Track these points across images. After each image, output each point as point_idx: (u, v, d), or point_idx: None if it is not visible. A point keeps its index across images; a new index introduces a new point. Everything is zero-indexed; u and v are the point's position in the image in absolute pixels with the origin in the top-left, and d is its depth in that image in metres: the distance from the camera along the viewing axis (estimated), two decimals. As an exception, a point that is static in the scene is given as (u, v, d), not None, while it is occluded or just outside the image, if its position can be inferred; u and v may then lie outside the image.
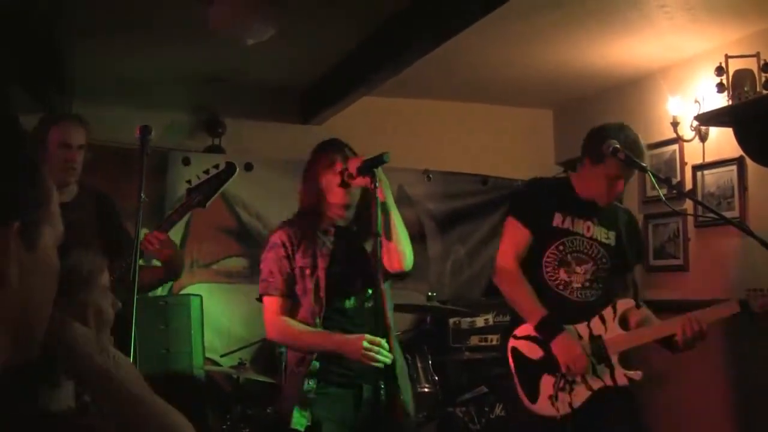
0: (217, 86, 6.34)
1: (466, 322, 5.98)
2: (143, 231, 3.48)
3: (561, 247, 3.75)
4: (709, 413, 5.36)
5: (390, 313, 3.46)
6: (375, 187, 3.24)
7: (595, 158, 3.69)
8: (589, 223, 3.80)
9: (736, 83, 4.96)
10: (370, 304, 3.44)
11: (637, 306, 3.84)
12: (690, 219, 5.56)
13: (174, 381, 5.12)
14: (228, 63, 5.84)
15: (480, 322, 5.95)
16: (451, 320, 6.00)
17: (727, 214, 4.72)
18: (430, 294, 5.67)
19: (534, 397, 3.66)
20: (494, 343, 5.99)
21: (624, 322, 3.74)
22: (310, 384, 3.37)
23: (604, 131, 3.73)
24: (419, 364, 5.22)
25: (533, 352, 3.71)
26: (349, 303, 3.46)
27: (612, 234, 3.85)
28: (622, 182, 3.76)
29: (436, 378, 5.26)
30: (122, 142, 5.12)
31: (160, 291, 5.79)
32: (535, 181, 4.12)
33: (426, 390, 5.15)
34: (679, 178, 5.64)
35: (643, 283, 5.85)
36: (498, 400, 5.55)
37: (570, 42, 5.39)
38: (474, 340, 5.99)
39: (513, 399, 3.78)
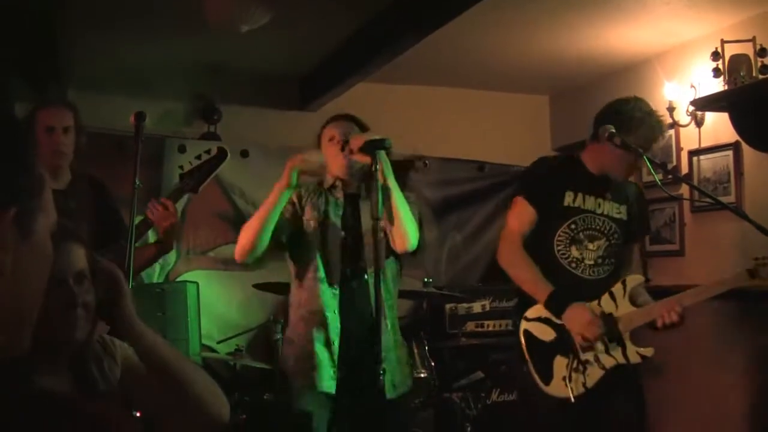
0: (213, 73, 6.32)
1: (462, 308, 5.98)
2: (138, 218, 3.49)
3: (573, 226, 3.72)
4: (711, 404, 5.37)
5: (393, 288, 3.61)
6: (375, 169, 3.24)
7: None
8: (600, 199, 3.78)
9: (732, 68, 4.96)
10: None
11: (647, 281, 3.84)
12: (686, 204, 5.57)
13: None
14: (224, 50, 5.83)
15: (476, 308, 5.95)
16: (448, 306, 6.01)
17: (724, 199, 4.71)
18: (426, 280, 5.66)
19: (548, 378, 3.65)
20: (491, 329, 6.00)
21: (632, 299, 3.72)
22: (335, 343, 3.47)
23: (624, 108, 3.70)
24: (416, 350, 5.22)
25: (545, 333, 3.69)
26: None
27: (623, 208, 3.83)
28: (636, 163, 3.77)
29: (433, 364, 5.26)
30: (118, 129, 5.11)
31: (156, 278, 5.80)
32: (543, 160, 4.05)
33: (422, 376, 5.16)
34: (675, 164, 5.64)
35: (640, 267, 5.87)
36: (494, 385, 5.56)
37: (566, 27, 5.38)
38: (470, 326, 6.00)
39: (525, 382, 3.76)
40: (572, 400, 3.58)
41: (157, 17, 5.12)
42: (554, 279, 3.68)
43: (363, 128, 3.65)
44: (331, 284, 3.52)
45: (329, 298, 3.51)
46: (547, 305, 3.66)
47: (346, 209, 3.61)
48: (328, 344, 3.48)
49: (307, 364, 3.48)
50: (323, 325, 3.49)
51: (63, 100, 4.00)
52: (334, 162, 3.57)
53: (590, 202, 3.77)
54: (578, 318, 3.60)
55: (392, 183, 3.44)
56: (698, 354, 5.39)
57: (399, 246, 3.51)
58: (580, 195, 3.76)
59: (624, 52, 5.83)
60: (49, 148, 3.77)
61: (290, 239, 3.60)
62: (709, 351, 5.35)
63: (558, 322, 3.67)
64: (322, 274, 3.52)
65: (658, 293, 3.82)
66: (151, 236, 4.54)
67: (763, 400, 4.95)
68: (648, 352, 3.66)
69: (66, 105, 3.91)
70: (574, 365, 3.63)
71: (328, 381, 3.43)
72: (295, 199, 3.59)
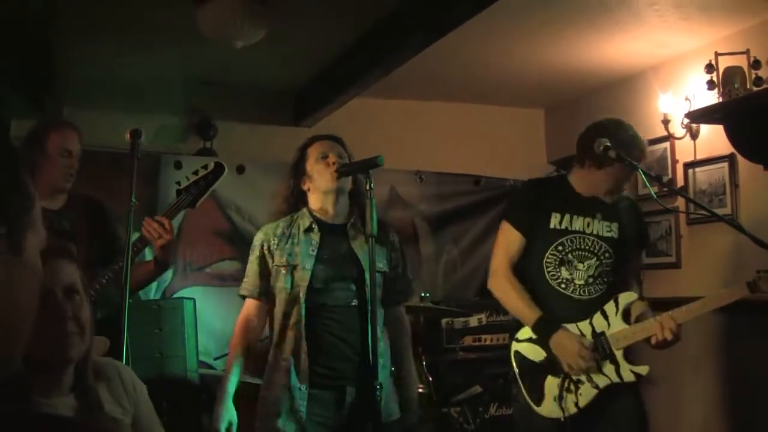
0: (208, 89, 6.33)
1: (459, 322, 5.97)
2: (135, 234, 3.48)
3: (560, 247, 3.71)
4: (704, 410, 5.37)
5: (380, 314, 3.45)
6: (369, 188, 3.23)
7: (595, 159, 3.66)
8: (589, 219, 3.76)
9: (726, 80, 4.97)
10: (354, 303, 3.42)
11: (641, 298, 3.81)
12: (682, 216, 5.57)
13: (168, 385, 5.11)
14: (219, 66, 5.84)
15: (473, 321, 5.94)
16: (444, 321, 6.00)
17: (719, 211, 4.72)
18: (423, 294, 5.66)
19: (539, 399, 3.62)
20: (488, 343, 5.99)
21: (626, 316, 3.69)
22: (302, 389, 3.34)
23: (601, 129, 3.72)
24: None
25: (536, 354, 3.68)
26: (333, 301, 3.41)
27: (615, 225, 3.80)
28: (624, 182, 3.78)
29: (431, 379, 5.25)
30: (114, 146, 5.11)
31: (153, 294, 5.79)
32: (530, 183, 4.07)
33: (420, 391, 5.14)
34: (670, 176, 5.64)
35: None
36: (492, 399, 5.55)
37: (561, 41, 5.39)
38: (468, 340, 5.99)
39: (516, 402, 3.77)
40: (562, 419, 3.56)
41: (152, 34, 5.13)
42: (545, 300, 3.68)
43: (347, 150, 3.59)
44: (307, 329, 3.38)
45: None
46: (534, 330, 3.67)
47: (331, 243, 3.46)
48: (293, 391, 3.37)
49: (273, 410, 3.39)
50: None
51: (71, 123, 3.99)
52: (322, 179, 3.48)
53: (578, 223, 3.76)
54: (565, 347, 3.58)
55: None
56: (691, 361, 5.39)
57: None
58: (567, 216, 3.75)
59: (618, 64, 5.84)
60: (64, 172, 3.78)
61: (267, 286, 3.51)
62: (702, 358, 5.35)
63: None
64: (295, 319, 3.39)
65: (655, 306, 3.82)
66: (148, 254, 4.54)
67: (756, 407, 4.94)
68: (643, 370, 3.62)
69: (75, 128, 3.92)
70: (566, 385, 3.61)
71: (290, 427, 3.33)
72: (265, 250, 3.48)
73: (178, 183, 3.73)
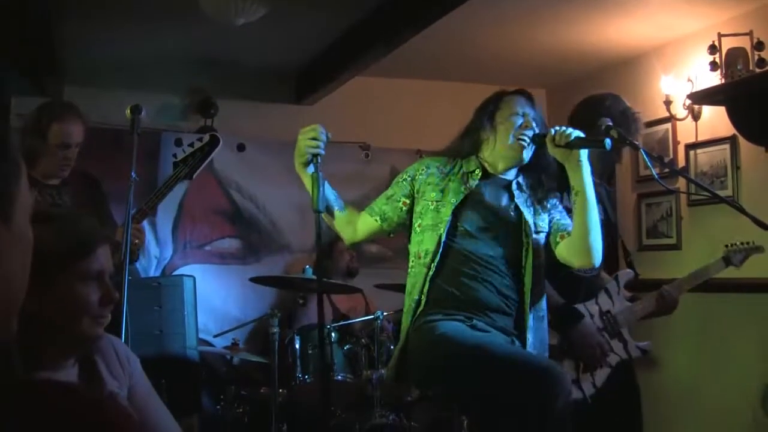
0: (209, 67, 6.31)
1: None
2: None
3: None
4: (698, 395, 5.38)
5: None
6: (316, 166, 3.11)
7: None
8: None
9: (729, 62, 4.96)
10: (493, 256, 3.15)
11: (636, 275, 3.82)
12: (683, 198, 5.56)
13: (167, 362, 5.12)
14: (221, 44, 5.81)
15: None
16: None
17: (720, 193, 4.71)
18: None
19: None
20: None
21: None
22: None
23: (597, 105, 3.69)
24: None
25: (551, 336, 3.60)
26: (475, 248, 3.14)
27: (600, 208, 3.81)
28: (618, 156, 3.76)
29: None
30: (115, 124, 5.10)
31: (153, 272, 5.81)
32: None
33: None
34: (671, 157, 5.63)
35: (635, 262, 5.87)
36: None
37: (563, 21, 5.37)
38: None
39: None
40: (588, 401, 3.56)
41: (153, 10, 5.11)
42: (555, 278, 3.63)
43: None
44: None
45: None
46: (555, 318, 3.55)
47: (489, 191, 3.23)
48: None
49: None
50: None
51: (76, 109, 3.98)
52: (505, 144, 3.22)
53: None
54: (584, 339, 3.58)
55: (582, 185, 3.12)
56: (693, 346, 5.40)
57: (577, 262, 3.18)
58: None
59: (621, 45, 5.82)
60: (61, 163, 3.86)
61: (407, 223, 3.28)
62: (705, 343, 5.36)
63: None
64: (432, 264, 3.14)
65: (655, 287, 3.83)
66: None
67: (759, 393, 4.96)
68: (647, 346, 3.69)
69: (80, 117, 3.92)
70: (583, 367, 3.62)
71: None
72: (408, 177, 3.29)
73: (175, 155, 3.77)
